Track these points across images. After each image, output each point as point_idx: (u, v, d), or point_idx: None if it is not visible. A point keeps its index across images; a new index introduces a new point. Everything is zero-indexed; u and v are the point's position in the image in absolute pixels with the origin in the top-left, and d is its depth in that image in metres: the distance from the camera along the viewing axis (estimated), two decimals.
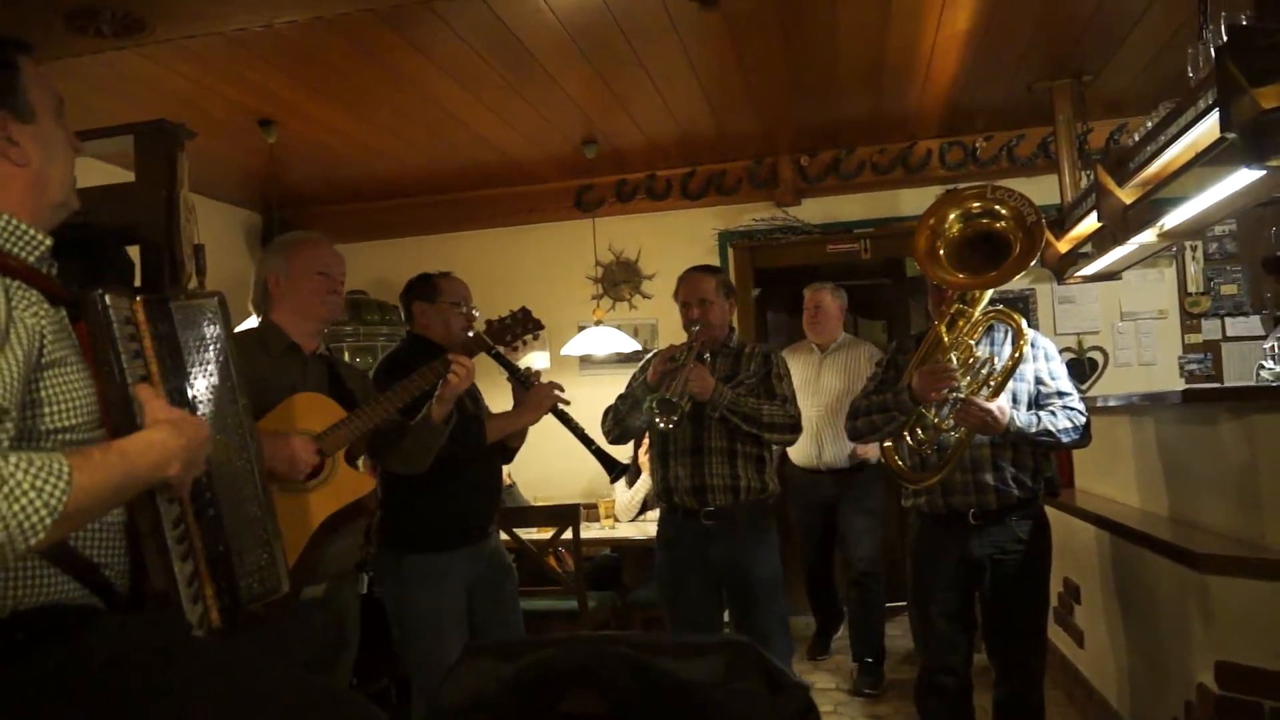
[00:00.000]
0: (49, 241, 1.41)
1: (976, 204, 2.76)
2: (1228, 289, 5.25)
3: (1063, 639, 4.17)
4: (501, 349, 2.86)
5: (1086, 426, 2.74)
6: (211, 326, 1.58)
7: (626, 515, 4.99)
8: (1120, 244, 3.56)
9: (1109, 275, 4.54)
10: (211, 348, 1.56)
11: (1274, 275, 4.70)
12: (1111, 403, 3.33)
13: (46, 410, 1.30)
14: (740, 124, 5.02)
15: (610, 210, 5.84)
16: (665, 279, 5.76)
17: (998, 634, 2.82)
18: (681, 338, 3.30)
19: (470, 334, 2.89)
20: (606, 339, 5.24)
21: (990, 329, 2.84)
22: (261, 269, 2.59)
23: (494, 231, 6.04)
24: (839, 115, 4.99)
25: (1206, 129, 2.67)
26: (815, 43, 3.99)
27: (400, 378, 2.58)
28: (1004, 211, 2.72)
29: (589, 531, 4.64)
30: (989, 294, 2.81)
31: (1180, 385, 5.24)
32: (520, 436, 3.10)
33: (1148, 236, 3.43)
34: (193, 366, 1.51)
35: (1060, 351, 5.20)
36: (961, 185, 2.92)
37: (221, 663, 1.38)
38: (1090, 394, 5.24)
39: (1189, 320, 5.27)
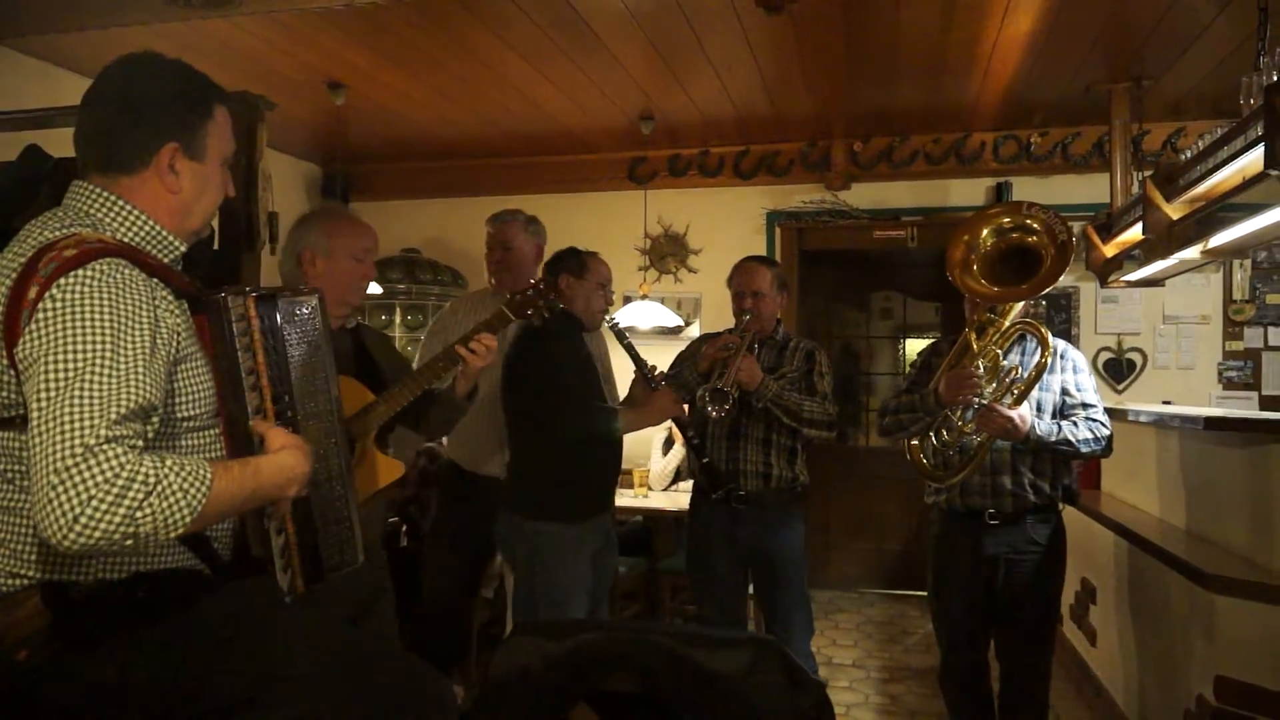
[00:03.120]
0: (183, 248, 1.59)
1: (1008, 219, 2.85)
2: (1274, 298, 5.25)
3: (1076, 636, 4.29)
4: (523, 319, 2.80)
5: (1109, 439, 2.83)
6: (310, 320, 1.73)
7: (659, 484, 5.15)
8: (1164, 257, 3.62)
9: (1152, 282, 4.58)
10: (309, 339, 1.71)
11: None
12: (1141, 418, 3.41)
13: (179, 400, 1.47)
14: (796, 107, 5.07)
15: (662, 183, 5.92)
16: (712, 254, 5.86)
17: (1007, 631, 2.94)
18: (725, 313, 3.43)
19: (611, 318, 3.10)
20: (650, 312, 5.35)
21: (1022, 338, 2.93)
22: (297, 240, 2.53)
23: (547, 197, 6.11)
24: (894, 103, 5.02)
25: (1255, 158, 2.72)
26: (876, 35, 4.04)
27: (544, 351, 2.74)
28: (1036, 226, 2.81)
29: (622, 499, 4.77)
30: (1019, 305, 2.90)
31: (1218, 390, 5.28)
32: None
33: (1192, 253, 3.48)
34: (293, 355, 1.66)
35: (1099, 351, 5.36)
36: (994, 206, 3.02)
37: (309, 623, 1.56)
38: (1125, 397, 5.32)
39: (1231, 327, 5.29)
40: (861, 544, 6.33)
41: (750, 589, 3.45)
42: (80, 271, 1.35)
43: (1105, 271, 4.67)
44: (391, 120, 5.30)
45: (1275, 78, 2.41)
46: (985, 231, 2.86)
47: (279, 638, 1.50)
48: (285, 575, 1.59)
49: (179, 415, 1.47)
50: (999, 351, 2.85)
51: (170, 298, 1.49)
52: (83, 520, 1.22)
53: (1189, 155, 3.28)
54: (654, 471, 5.18)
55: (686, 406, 3.35)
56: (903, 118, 5.26)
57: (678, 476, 5.17)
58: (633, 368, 3.18)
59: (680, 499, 4.83)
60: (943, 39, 4.04)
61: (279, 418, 1.63)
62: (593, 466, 3.05)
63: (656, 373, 3.16)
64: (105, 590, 1.42)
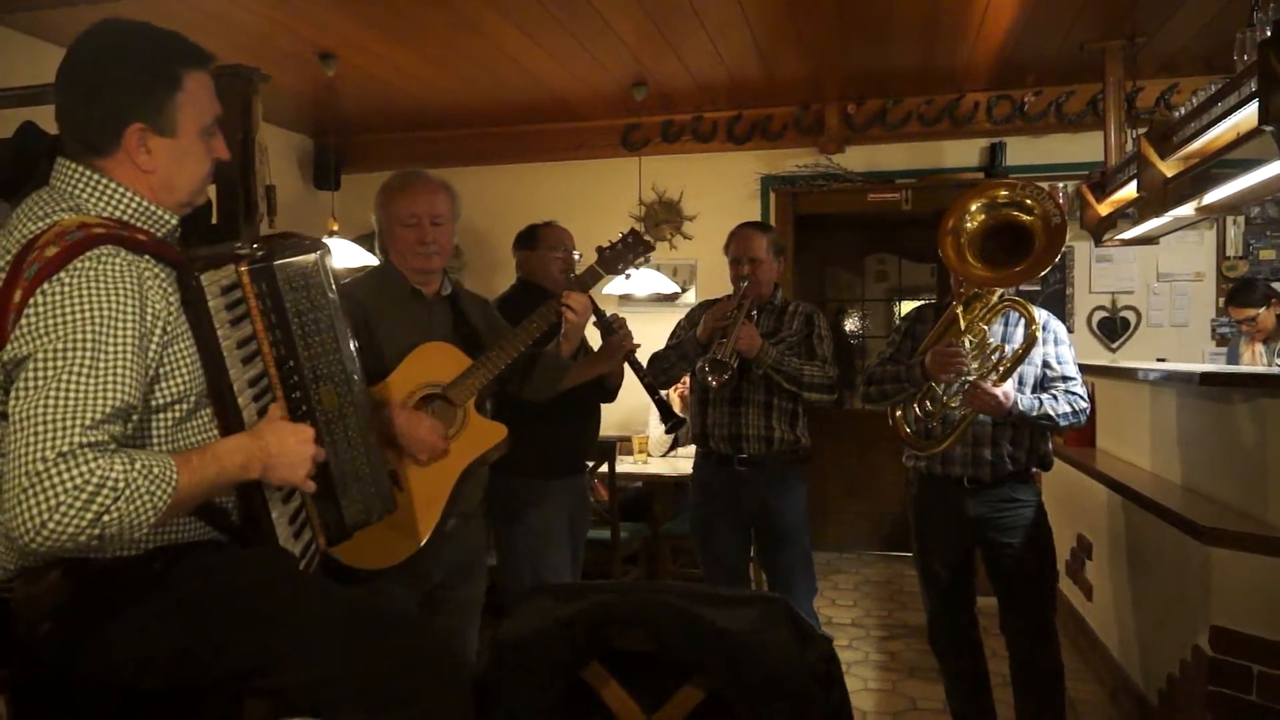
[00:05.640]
0: (174, 221, 1.56)
1: (1004, 193, 2.82)
2: (1266, 254, 5.28)
3: (1073, 591, 4.35)
4: (617, 275, 2.89)
5: (1085, 412, 2.86)
6: (314, 280, 1.66)
7: (658, 451, 5.19)
8: (1158, 215, 3.63)
9: (1146, 240, 4.60)
10: (314, 299, 1.66)
11: None
12: (1137, 375, 3.44)
13: (160, 386, 1.46)
14: (789, 70, 5.06)
15: (656, 150, 5.91)
16: (706, 220, 5.87)
17: (1008, 595, 2.97)
18: (721, 279, 3.44)
19: (572, 274, 2.94)
20: (646, 280, 5.36)
21: (1005, 313, 2.93)
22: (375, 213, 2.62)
23: (541, 165, 6.15)
24: (888, 65, 5.01)
25: (1248, 114, 2.73)
26: None
27: (511, 320, 2.71)
28: (1032, 206, 2.78)
29: (622, 465, 4.82)
30: None
31: (1212, 347, 5.31)
32: (618, 376, 3.15)
33: (1186, 210, 3.50)
34: (295, 319, 1.63)
35: (1093, 310, 5.39)
36: (984, 182, 2.98)
37: (323, 591, 1.59)
38: (1119, 355, 5.36)
39: (1225, 284, 5.31)
40: (859, 506, 6.39)
41: (753, 551, 3.50)
42: (61, 275, 1.35)
43: (1099, 230, 4.69)
44: (383, 90, 5.27)
45: (1269, 33, 2.41)
46: (974, 208, 2.82)
47: (293, 605, 1.53)
48: (300, 540, 1.61)
49: (159, 401, 1.46)
50: (986, 328, 2.85)
51: (161, 274, 1.47)
52: (50, 525, 1.25)
53: (1183, 112, 3.28)
54: (653, 438, 5.21)
55: (687, 379, 3.39)
56: (896, 79, 5.25)
57: (676, 443, 5.21)
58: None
59: (679, 464, 4.88)
60: None
61: (285, 384, 1.62)
62: (565, 426, 3.12)
63: (616, 319, 3.00)
64: (123, 564, 1.44)
